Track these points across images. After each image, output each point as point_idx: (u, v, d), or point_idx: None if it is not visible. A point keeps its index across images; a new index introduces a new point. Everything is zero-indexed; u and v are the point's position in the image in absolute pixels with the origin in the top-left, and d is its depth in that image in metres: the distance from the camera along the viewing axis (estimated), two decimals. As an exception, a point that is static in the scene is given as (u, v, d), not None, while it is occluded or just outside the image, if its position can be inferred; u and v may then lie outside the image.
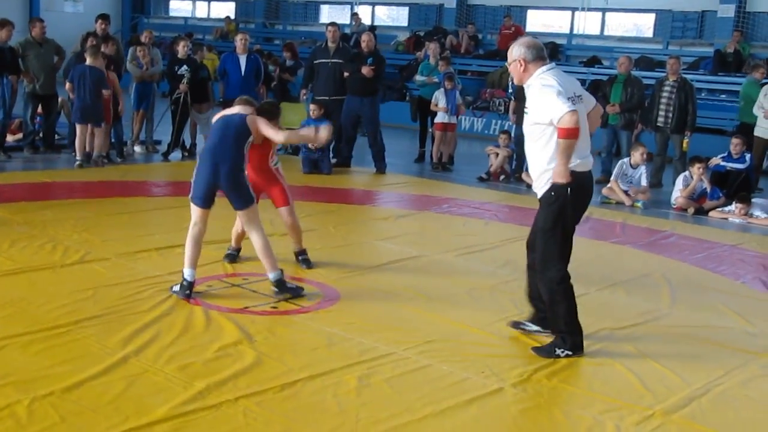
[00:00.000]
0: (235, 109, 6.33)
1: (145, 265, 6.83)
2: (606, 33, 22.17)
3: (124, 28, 28.20)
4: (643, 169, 11.24)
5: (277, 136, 6.27)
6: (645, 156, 11.30)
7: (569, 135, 5.00)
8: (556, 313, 5.35)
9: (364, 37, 12.76)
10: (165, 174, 11.98)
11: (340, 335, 5.50)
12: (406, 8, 25.22)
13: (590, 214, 10.21)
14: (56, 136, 12.92)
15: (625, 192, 11.11)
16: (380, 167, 12.30)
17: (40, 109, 12.66)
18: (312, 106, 12.01)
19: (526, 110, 5.29)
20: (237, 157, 6.09)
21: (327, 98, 12.44)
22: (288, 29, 27.09)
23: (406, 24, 25.04)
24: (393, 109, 17.74)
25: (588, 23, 22.49)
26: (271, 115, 6.40)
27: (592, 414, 4.57)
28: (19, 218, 8.10)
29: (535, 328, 5.68)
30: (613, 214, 10.38)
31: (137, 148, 13.22)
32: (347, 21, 24.07)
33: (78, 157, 11.32)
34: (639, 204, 10.95)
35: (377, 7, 26.12)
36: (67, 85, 11.34)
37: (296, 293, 6.25)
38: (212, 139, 6.18)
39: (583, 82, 19.20)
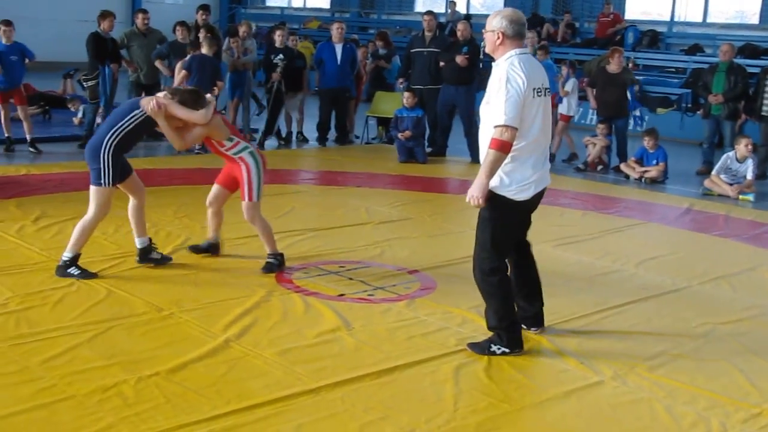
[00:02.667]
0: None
1: (244, 251, 6.93)
2: (708, 20, 21.54)
3: (222, 18, 28.63)
4: (750, 162, 10.86)
5: (193, 114, 6.08)
6: (750, 147, 10.95)
7: (501, 148, 4.65)
8: (489, 306, 5.06)
9: (460, 26, 12.70)
10: (261, 162, 12.11)
11: (438, 324, 5.49)
12: (502, -4, 24.96)
13: (691, 205, 10.00)
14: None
15: (730, 184, 10.76)
16: (475, 156, 12.22)
17: (143, 98, 12.98)
18: (406, 94, 12.03)
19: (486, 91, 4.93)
20: (105, 132, 6.01)
21: (422, 87, 12.44)
22: (383, 18, 27.12)
23: (501, 12, 24.76)
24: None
25: (689, 10, 21.88)
26: (190, 101, 6.12)
27: (696, 410, 4.46)
28: (123, 204, 8.29)
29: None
30: (715, 206, 10.10)
31: (234, 136, 13.42)
32: (442, 10, 23.96)
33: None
34: (750, 197, 10.58)
35: (472, -4, 25.95)
36: (183, 72, 11.52)
37: (162, 261, 6.42)
38: None
39: (683, 71, 18.79)
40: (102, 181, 5.99)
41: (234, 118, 13.45)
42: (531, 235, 7.93)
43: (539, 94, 4.83)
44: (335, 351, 4.94)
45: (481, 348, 5.03)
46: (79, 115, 13.57)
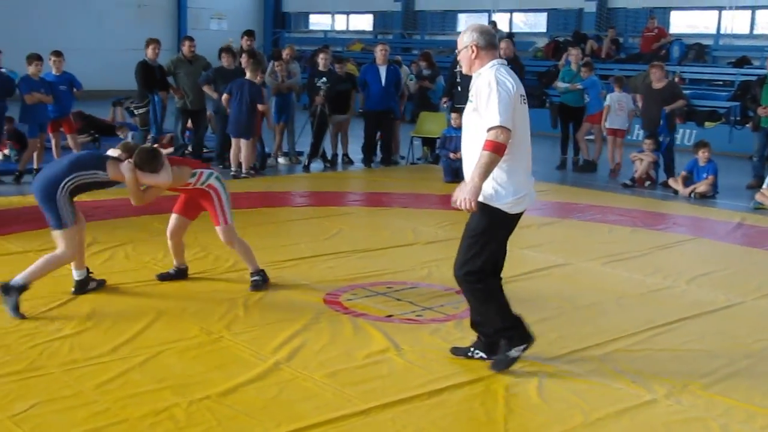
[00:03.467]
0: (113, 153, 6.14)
1: (291, 274, 6.96)
2: (756, 32, 21.28)
3: (266, 43, 28.96)
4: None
5: (158, 179, 6.03)
6: (800, 160, 10.77)
7: (496, 150, 4.52)
8: (489, 311, 4.95)
9: (502, 44, 12.65)
10: (307, 185, 12.21)
11: (486, 344, 5.45)
12: (545, 14, 24.94)
13: (743, 220, 9.85)
14: (204, 150, 13.37)
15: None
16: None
17: (189, 124, 13.17)
18: (453, 115, 12.01)
19: (471, 98, 4.81)
20: (63, 175, 5.85)
21: (465, 106, 12.40)
22: (426, 39, 27.22)
23: (544, 30, 24.76)
24: (532, 117, 17.49)
25: (736, 22, 21.64)
26: (148, 164, 5.98)
27: (753, 429, 4.37)
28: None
29: (480, 354, 5.12)
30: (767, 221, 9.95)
31: (281, 160, 13.55)
32: (485, 29, 23.94)
33: (233, 169, 11.72)
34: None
35: (515, 14, 25.94)
36: (225, 96, 11.72)
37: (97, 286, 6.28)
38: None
39: (731, 84, 18.57)
40: (65, 222, 5.84)
41: (279, 142, 13.57)
42: (578, 253, 7.95)
43: (525, 101, 4.79)
44: (384, 372, 4.93)
45: (502, 363, 4.94)
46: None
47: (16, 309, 5.66)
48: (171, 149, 13.29)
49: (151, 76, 12.13)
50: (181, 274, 6.76)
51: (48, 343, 5.22)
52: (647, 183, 12.22)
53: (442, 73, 15.48)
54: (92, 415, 4.23)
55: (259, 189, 11.06)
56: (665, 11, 22.34)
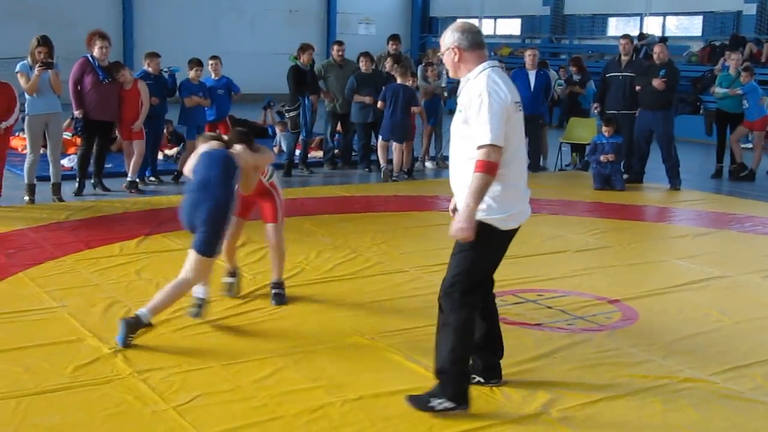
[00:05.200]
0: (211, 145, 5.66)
1: (440, 278, 6.94)
2: None
3: (413, 47, 29.15)
4: None
5: (264, 158, 5.83)
6: None
7: (489, 170, 4.10)
8: (446, 344, 4.35)
9: (656, 49, 12.34)
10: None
11: (641, 356, 5.31)
12: (700, 17, 24.12)
13: None
14: (353, 153, 13.56)
15: None
16: (675, 183, 11.79)
17: (339, 127, 13.40)
18: (605, 128, 11.72)
19: (459, 108, 4.34)
20: (224, 191, 5.41)
21: (616, 112, 12.16)
22: (575, 43, 26.79)
23: (699, 33, 23.95)
24: (685, 123, 17.01)
25: None
26: (248, 138, 5.78)
27: None
28: (323, 230, 8.57)
29: (477, 379, 4.70)
30: None
31: (428, 164, 13.61)
32: (636, 32, 23.39)
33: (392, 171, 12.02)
34: None
35: (668, 18, 25.21)
36: (379, 103, 11.94)
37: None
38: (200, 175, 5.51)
39: None
40: (213, 251, 5.35)
41: (427, 146, 13.63)
42: (736, 265, 7.63)
43: (519, 108, 4.33)
44: (536, 380, 4.86)
45: (420, 402, 4.38)
46: (279, 143, 14.10)
47: (124, 341, 5.15)
48: (320, 152, 13.60)
49: (302, 79, 12.39)
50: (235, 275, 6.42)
51: (203, 336, 5.40)
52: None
53: (592, 78, 15.20)
54: (250, 410, 4.35)
55: (407, 192, 11.13)
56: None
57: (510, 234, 4.45)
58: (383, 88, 12.07)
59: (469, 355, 4.46)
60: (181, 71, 11.91)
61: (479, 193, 4.13)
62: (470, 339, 4.45)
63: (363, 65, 12.75)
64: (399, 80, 11.88)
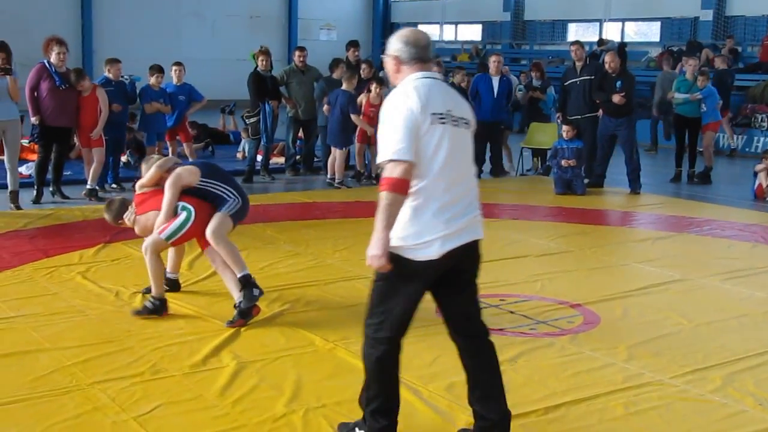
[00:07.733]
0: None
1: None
2: None
3: (375, 53, 29.15)
4: None
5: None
6: None
7: (395, 188, 3.65)
8: (365, 381, 4.01)
9: (607, 58, 12.38)
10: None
11: (603, 360, 5.34)
12: (658, 23, 24.40)
13: None
14: (315, 159, 13.52)
15: None
16: (635, 187, 11.90)
17: (300, 134, 13.36)
18: (565, 128, 11.82)
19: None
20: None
21: (579, 117, 12.25)
22: (535, 49, 26.98)
23: (657, 39, 24.22)
24: (644, 128, 17.17)
25: None
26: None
27: None
28: (284, 237, 8.53)
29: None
30: None
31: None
32: (595, 38, 23.60)
33: (328, 178, 11.97)
34: None
35: (627, 23, 25.47)
36: (325, 107, 11.96)
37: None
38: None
39: None
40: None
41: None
42: (696, 269, 7.71)
43: (442, 120, 3.80)
44: (499, 386, 4.87)
45: (346, 429, 4.18)
46: (243, 149, 14.03)
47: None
48: (282, 159, 13.54)
49: (262, 85, 12.35)
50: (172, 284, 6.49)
51: (168, 347, 5.35)
52: (768, 197, 11.80)
53: (552, 83, 15.30)
54: (212, 419, 4.32)
55: (371, 198, 11.10)
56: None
57: (431, 266, 3.85)
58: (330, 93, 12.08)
59: (388, 396, 3.98)
60: (142, 80, 11.82)
61: (388, 214, 3.67)
62: (385, 378, 3.97)
63: (336, 72, 12.61)
64: (344, 86, 11.89)
